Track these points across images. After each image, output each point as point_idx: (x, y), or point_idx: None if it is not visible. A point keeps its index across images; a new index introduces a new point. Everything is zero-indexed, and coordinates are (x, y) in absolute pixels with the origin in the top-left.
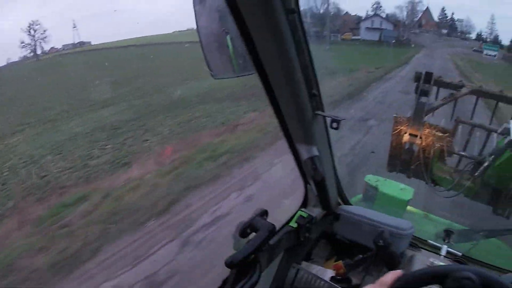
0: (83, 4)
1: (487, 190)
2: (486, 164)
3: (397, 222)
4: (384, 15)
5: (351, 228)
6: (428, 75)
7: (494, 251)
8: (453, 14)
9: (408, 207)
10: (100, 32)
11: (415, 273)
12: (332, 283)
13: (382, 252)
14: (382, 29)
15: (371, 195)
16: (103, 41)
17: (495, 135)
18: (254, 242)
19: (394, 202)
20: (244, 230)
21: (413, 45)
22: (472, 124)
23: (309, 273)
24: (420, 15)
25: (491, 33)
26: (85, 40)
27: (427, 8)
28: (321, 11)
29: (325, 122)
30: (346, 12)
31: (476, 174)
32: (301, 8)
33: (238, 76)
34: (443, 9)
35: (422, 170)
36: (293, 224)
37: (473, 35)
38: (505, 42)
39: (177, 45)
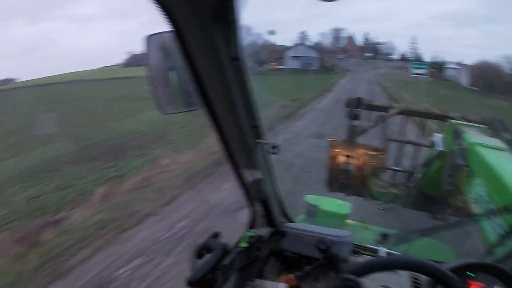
0: (10, 40)
1: (423, 199)
2: (418, 175)
3: (336, 232)
4: (311, 44)
5: (297, 242)
6: (358, 100)
7: (429, 248)
8: (375, 38)
9: (348, 221)
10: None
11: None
12: None
13: (326, 257)
14: (306, 57)
15: (313, 213)
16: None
17: (423, 148)
18: (211, 260)
19: (334, 217)
20: (200, 251)
21: (338, 71)
22: (402, 140)
23: None
24: (344, 42)
25: (413, 53)
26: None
27: (351, 34)
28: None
29: (265, 149)
30: (273, 43)
31: (410, 185)
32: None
33: (185, 111)
34: (366, 34)
35: (360, 187)
36: (244, 244)
37: (395, 56)
38: (426, 59)
39: (102, 82)
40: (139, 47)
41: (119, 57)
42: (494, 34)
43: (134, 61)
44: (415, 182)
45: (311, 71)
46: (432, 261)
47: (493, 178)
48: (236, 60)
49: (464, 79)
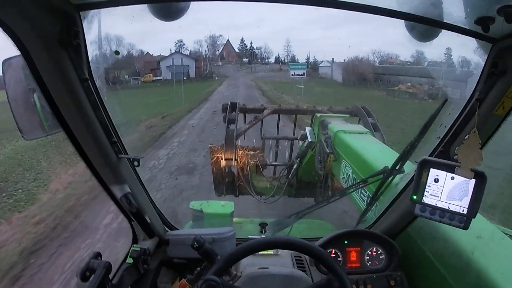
0: None
1: (304, 186)
2: (295, 166)
3: (219, 230)
4: (187, 52)
5: (182, 248)
6: (233, 105)
7: (310, 228)
8: (251, 43)
9: (235, 219)
10: None
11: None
12: None
13: (203, 254)
14: (182, 65)
15: (199, 218)
16: None
17: (297, 142)
18: (94, 280)
19: (219, 217)
20: (84, 274)
21: (216, 78)
22: (277, 137)
23: None
24: (221, 48)
25: (288, 55)
26: None
27: (228, 40)
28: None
29: (131, 162)
30: (147, 53)
31: (290, 176)
32: (95, 58)
33: (48, 135)
34: (242, 40)
35: (246, 186)
36: (129, 260)
37: (272, 59)
38: (301, 60)
39: None
40: None
41: None
42: (360, 33)
43: None
44: (294, 173)
45: (188, 80)
46: (314, 238)
47: (355, 158)
48: (85, 81)
49: (338, 75)
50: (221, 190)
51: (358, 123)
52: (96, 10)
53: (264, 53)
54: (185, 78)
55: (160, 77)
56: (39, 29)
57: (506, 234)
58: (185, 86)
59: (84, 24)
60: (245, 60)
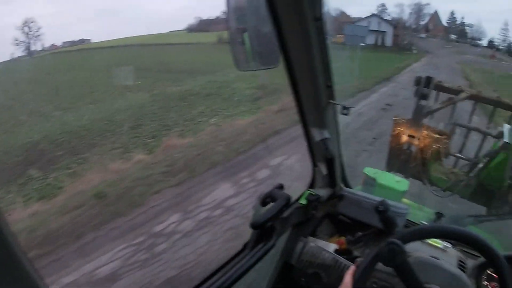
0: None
1: (482, 191)
2: (481, 165)
3: (395, 204)
4: (387, 17)
5: (354, 208)
6: (428, 79)
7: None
8: (463, 18)
9: (404, 199)
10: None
11: (362, 264)
12: (335, 254)
13: (383, 220)
14: (381, 31)
15: (370, 186)
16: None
17: (490, 138)
18: (274, 208)
19: (391, 192)
20: (264, 199)
21: (415, 51)
22: (469, 127)
23: (315, 246)
24: (427, 19)
25: (504, 40)
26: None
27: (435, 11)
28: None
29: (335, 110)
30: (343, 13)
31: (471, 175)
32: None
33: (259, 69)
34: (452, 13)
35: (420, 170)
36: (303, 201)
37: (484, 42)
38: None
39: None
40: (207, 12)
41: (188, 22)
42: None
43: (200, 26)
44: (477, 173)
45: (383, 48)
46: None
47: None
48: (318, 20)
49: None
50: (393, 166)
51: None
52: None
53: (476, 32)
54: (385, 45)
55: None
56: None
57: None
58: (376, 55)
59: None
60: (453, 37)
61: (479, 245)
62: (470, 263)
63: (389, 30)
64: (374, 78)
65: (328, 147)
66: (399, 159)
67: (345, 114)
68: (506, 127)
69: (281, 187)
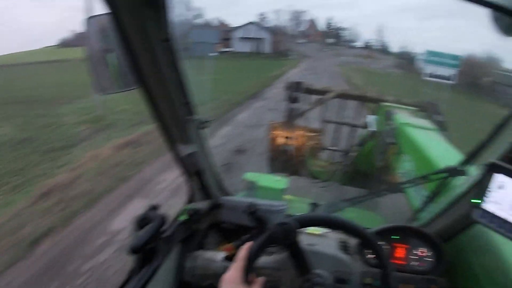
0: None
1: (359, 175)
2: (353, 154)
3: (272, 203)
4: (264, 24)
5: (233, 213)
6: (298, 84)
7: (358, 216)
8: (339, 23)
9: (286, 196)
10: None
11: (258, 240)
12: (225, 261)
13: (255, 220)
14: (259, 38)
15: (252, 190)
16: None
17: (359, 129)
18: (150, 229)
19: (272, 192)
20: (140, 223)
21: (293, 56)
22: (339, 122)
23: (205, 258)
24: (305, 25)
25: (377, 40)
26: None
27: (313, 18)
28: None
29: (197, 125)
30: (222, 22)
31: (346, 163)
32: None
33: (121, 92)
34: (328, 18)
35: (300, 167)
36: (183, 217)
37: (359, 43)
38: (393, 51)
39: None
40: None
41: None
42: (455, 29)
43: (74, 40)
44: (351, 161)
45: (262, 56)
46: None
47: (418, 153)
48: (166, 41)
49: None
50: (275, 167)
51: (426, 119)
52: None
53: (352, 35)
54: (257, 52)
55: (230, 49)
56: None
57: None
58: (252, 63)
59: None
60: (330, 40)
61: (346, 227)
62: (353, 241)
63: (267, 37)
64: (236, 97)
65: (194, 161)
66: (280, 160)
67: (204, 128)
68: (370, 117)
69: (155, 207)
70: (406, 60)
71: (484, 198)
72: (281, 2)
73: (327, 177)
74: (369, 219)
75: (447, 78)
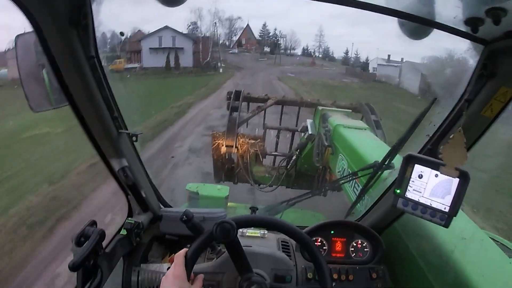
0: None
1: (301, 178)
2: (295, 157)
3: (210, 210)
4: (186, 32)
5: (175, 224)
6: (237, 93)
7: (299, 216)
8: (275, 29)
9: (229, 203)
10: None
11: (196, 243)
12: None
13: (191, 228)
14: (176, 48)
15: (195, 200)
16: None
17: (298, 134)
18: (88, 245)
19: (214, 200)
20: (79, 240)
21: (222, 69)
22: (278, 128)
23: (149, 272)
24: (239, 33)
25: (319, 46)
26: None
27: (247, 25)
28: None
29: (129, 138)
30: (139, 31)
31: (289, 167)
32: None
33: (55, 108)
34: (264, 25)
35: (244, 174)
36: (123, 232)
37: (298, 51)
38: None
39: None
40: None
41: None
42: (379, 32)
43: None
44: (293, 164)
45: (181, 71)
46: (301, 226)
47: (351, 152)
48: (92, 58)
49: (411, 82)
50: (220, 176)
51: (361, 120)
52: None
53: (290, 42)
54: (174, 66)
55: (135, 65)
56: (52, 8)
57: (493, 239)
58: (159, 83)
59: (93, 6)
60: (267, 49)
61: (278, 226)
62: (293, 241)
63: (187, 46)
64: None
65: (128, 175)
66: (224, 169)
67: (135, 141)
68: (308, 121)
69: (93, 223)
70: (353, 66)
71: (407, 188)
72: (212, 8)
73: (271, 182)
74: (311, 218)
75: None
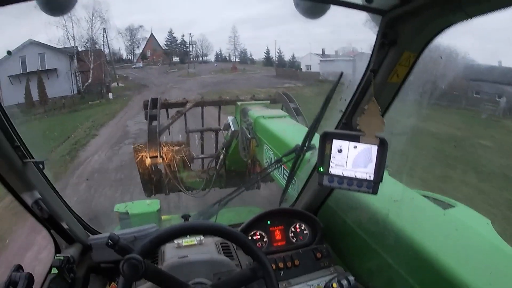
0: None
1: (234, 175)
2: (222, 156)
3: (140, 228)
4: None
5: (108, 251)
6: (154, 100)
7: (236, 215)
8: (183, 36)
9: (163, 216)
10: None
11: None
12: None
13: (119, 251)
14: (45, 71)
15: (126, 220)
16: None
17: (222, 132)
18: None
19: (146, 216)
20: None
21: (112, 95)
22: (200, 129)
23: None
24: (143, 44)
25: (235, 49)
26: None
27: (152, 34)
28: None
29: (37, 166)
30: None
31: (217, 167)
32: None
33: None
34: (170, 33)
35: (174, 183)
36: (54, 271)
37: (211, 57)
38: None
39: None
40: None
41: None
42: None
43: None
44: (222, 163)
45: (49, 106)
46: (240, 224)
47: (275, 140)
48: None
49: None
50: (150, 190)
51: (282, 109)
52: None
53: (202, 48)
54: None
55: None
56: None
57: (425, 197)
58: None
59: None
60: (176, 59)
61: (210, 230)
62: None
63: (62, 65)
64: None
65: (42, 208)
66: (153, 181)
67: (42, 168)
68: (229, 118)
69: (19, 268)
70: (283, 66)
71: (330, 164)
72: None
73: (203, 185)
74: (247, 214)
75: None
